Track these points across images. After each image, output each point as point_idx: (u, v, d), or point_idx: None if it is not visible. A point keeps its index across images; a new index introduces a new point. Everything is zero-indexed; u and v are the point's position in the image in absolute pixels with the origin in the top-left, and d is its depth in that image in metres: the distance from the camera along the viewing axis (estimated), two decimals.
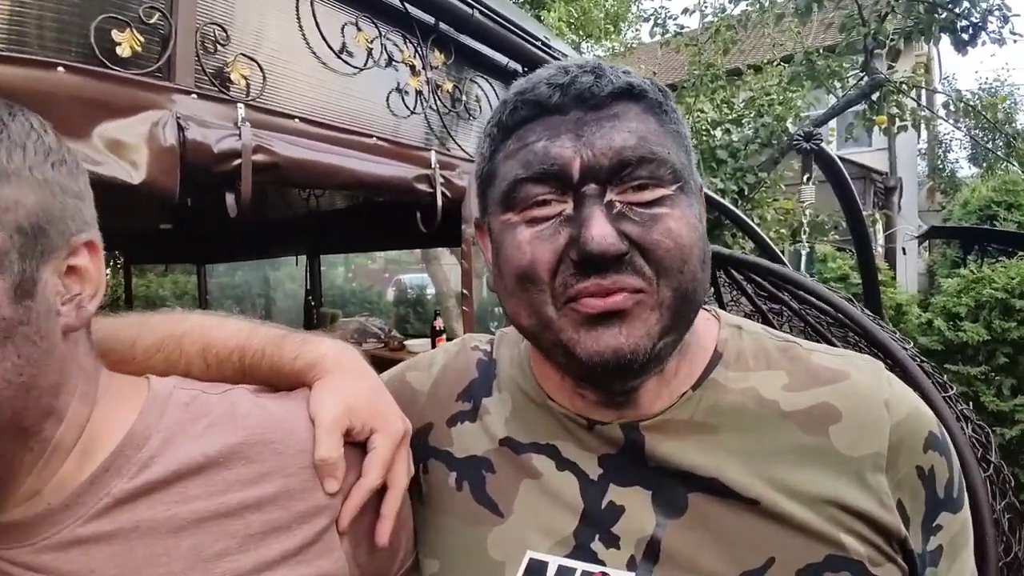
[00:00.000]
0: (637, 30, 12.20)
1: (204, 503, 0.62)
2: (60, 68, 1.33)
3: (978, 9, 4.40)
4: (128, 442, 0.63)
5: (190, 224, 4.39)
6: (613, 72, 0.65)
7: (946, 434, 0.70)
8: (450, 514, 0.77)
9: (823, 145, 2.34)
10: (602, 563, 0.67)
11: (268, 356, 0.75)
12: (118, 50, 1.47)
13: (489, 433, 0.79)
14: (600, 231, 0.59)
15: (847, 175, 2.41)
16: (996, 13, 4.44)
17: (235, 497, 0.63)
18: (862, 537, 0.63)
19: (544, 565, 0.68)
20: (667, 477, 0.68)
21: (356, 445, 0.71)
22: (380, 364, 0.94)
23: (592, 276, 0.61)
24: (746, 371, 0.71)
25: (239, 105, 1.64)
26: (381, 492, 0.72)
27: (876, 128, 5.48)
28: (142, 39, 1.51)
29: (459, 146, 2.57)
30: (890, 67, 5.28)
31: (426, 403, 0.85)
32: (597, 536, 0.68)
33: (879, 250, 9.67)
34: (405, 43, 2.35)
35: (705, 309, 0.76)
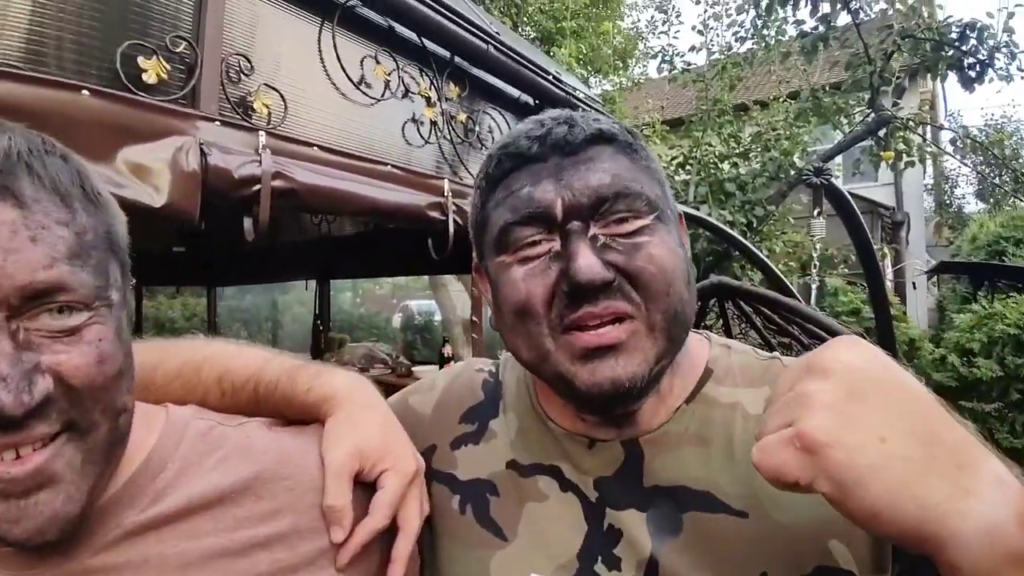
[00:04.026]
0: (644, 66, 12.42)
1: (214, 539, 0.62)
2: (85, 91, 1.35)
3: (985, 46, 4.45)
4: (143, 471, 0.63)
5: (202, 247, 4.43)
6: (584, 120, 0.70)
7: None
8: (452, 537, 0.78)
9: (832, 180, 2.36)
10: None
11: (281, 387, 0.74)
12: (144, 76, 1.50)
13: (494, 455, 0.80)
14: (587, 262, 0.63)
15: (857, 210, 2.42)
16: (1004, 50, 4.48)
17: (245, 535, 0.63)
18: (851, 543, 0.63)
19: None
20: (661, 497, 0.70)
21: (368, 484, 0.70)
22: (387, 390, 0.94)
23: (584, 305, 0.64)
24: (735, 387, 0.74)
25: (260, 133, 1.67)
26: (392, 531, 0.70)
27: (883, 163, 5.51)
28: (168, 67, 1.55)
29: (471, 175, 2.60)
30: (895, 103, 5.33)
31: (429, 425, 0.86)
32: (600, 558, 0.70)
33: (888, 285, 9.64)
34: (421, 75, 2.40)
35: (696, 332, 0.80)
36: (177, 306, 8.10)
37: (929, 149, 5.39)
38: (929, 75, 4.80)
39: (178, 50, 1.59)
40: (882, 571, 0.63)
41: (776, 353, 0.79)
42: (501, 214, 0.70)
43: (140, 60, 1.50)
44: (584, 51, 9.33)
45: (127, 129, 1.42)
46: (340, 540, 0.65)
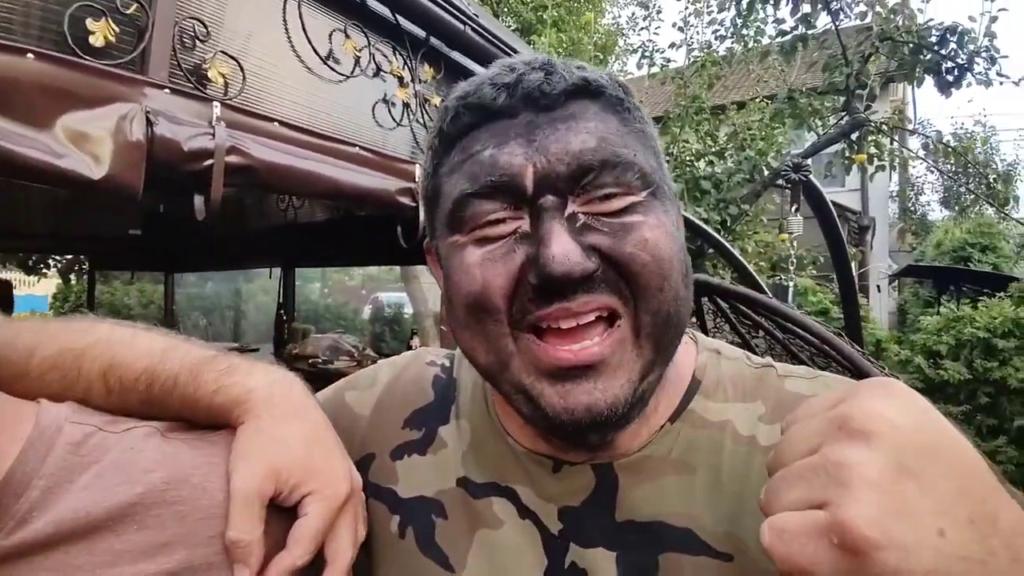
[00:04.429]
0: (624, 62, 12.43)
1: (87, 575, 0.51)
2: (30, 54, 1.24)
3: (965, 51, 4.47)
4: (6, 487, 0.52)
5: (160, 230, 4.25)
6: (565, 68, 0.57)
7: None
8: (389, 565, 0.66)
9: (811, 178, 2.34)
10: None
11: (181, 386, 0.60)
12: (91, 39, 1.38)
13: (443, 470, 0.67)
14: (562, 248, 0.50)
15: (833, 210, 2.41)
16: (983, 54, 4.50)
17: (123, 572, 0.52)
18: None
19: None
20: (636, 535, 0.59)
21: (288, 508, 0.58)
22: None
23: (555, 300, 0.52)
24: (725, 402, 0.64)
25: (215, 103, 1.55)
26: (317, 563, 0.58)
27: (853, 167, 5.59)
28: (117, 29, 1.43)
29: None
30: (868, 107, 5.40)
31: (367, 429, 0.73)
32: None
33: None
34: (395, 54, 2.29)
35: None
36: (134, 293, 7.81)
37: (899, 154, 5.47)
38: (905, 80, 4.85)
39: (128, 11, 1.47)
40: None
41: (768, 359, 0.69)
42: (456, 183, 0.56)
43: (88, 21, 1.39)
44: (564, 43, 9.27)
45: (69, 94, 1.30)
46: None
